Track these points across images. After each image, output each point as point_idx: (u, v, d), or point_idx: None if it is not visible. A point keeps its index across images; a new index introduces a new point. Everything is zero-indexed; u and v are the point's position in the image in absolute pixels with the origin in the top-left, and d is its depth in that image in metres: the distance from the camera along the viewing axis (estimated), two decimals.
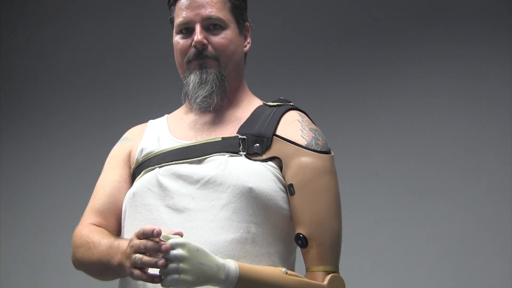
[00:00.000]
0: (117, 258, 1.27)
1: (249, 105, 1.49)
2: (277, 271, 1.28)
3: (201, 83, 1.44)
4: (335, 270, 1.35)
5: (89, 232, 1.39)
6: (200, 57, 1.44)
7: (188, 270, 1.15)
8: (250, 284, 1.23)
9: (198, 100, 1.44)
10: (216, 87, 1.43)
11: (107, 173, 1.51)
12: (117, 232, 1.43)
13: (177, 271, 1.15)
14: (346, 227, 2.67)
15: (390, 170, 2.88)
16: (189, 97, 1.46)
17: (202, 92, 1.43)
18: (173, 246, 1.16)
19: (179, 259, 1.15)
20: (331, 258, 1.35)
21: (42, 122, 3.48)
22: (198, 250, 1.18)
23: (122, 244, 1.27)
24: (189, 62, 1.46)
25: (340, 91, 3.04)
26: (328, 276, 1.32)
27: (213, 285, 1.21)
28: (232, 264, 1.22)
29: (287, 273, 1.28)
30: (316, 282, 1.31)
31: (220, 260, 1.21)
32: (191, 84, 1.45)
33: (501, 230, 2.67)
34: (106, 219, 1.44)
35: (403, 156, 2.88)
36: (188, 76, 1.46)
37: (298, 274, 1.32)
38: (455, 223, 2.74)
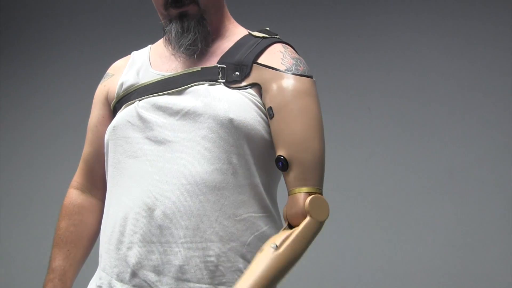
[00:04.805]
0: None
1: (234, 35, 1.45)
2: (267, 258, 1.18)
3: (183, 31, 1.38)
4: (318, 191, 1.27)
5: (67, 217, 1.52)
6: (179, 5, 1.38)
7: None
8: None
9: (182, 48, 1.39)
10: (198, 33, 1.38)
11: (91, 116, 1.54)
12: (102, 177, 1.49)
13: None
14: (338, 161, 2.71)
15: (383, 106, 2.86)
16: (173, 45, 1.41)
17: (185, 41, 1.38)
18: None
19: None
20: (313, 179, 1.27)
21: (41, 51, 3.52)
22: None
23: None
24: (167, 9, 1.40)
25: (334, 26, 3.00)
26: (309, 197, 1.25)
27: None
28: None
29: (277, 246, 1.19)
30: (301, 225, 1.23)
31: None
32: (173, 32, 1.39)
33: (496, 166, 2.69)
34: (91, 169, 1.53)
35: (396, 92, 2.86)
36: (169, 24, 1.41)
37: (286, 232, 1.23)
38: (447, 158, 2.74)
